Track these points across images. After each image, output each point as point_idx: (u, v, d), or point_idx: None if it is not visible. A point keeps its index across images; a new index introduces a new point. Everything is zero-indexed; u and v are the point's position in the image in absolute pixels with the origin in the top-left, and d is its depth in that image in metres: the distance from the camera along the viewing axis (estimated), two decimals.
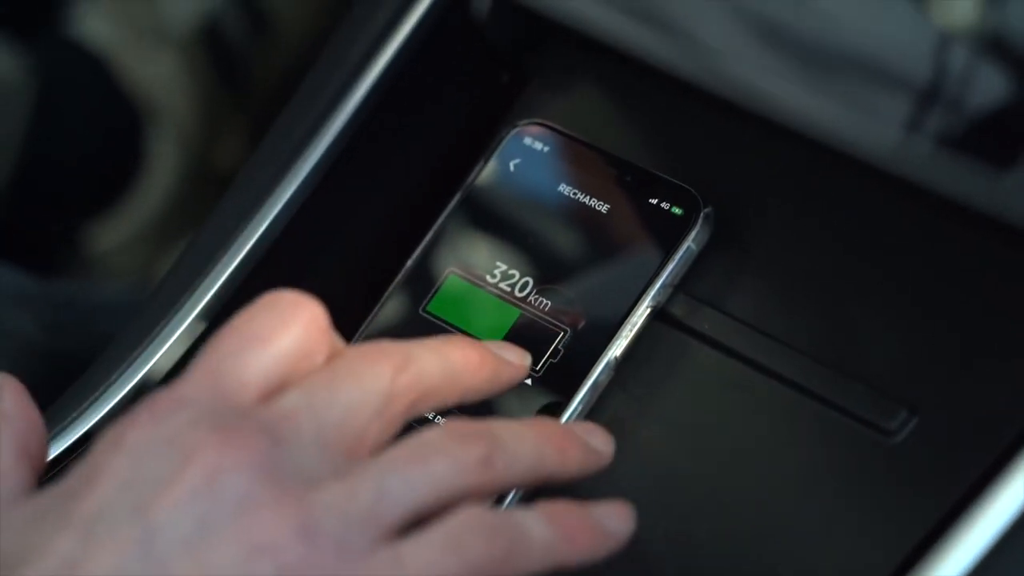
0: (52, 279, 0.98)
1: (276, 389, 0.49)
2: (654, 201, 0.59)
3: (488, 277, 0.60)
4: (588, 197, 0.60)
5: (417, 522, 0.47)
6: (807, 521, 0.54)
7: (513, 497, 0.55)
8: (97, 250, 1.18)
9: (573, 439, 0.52)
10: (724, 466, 0.56)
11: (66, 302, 0.83)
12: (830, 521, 0.53)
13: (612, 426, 0.56)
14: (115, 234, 1.18)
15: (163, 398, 0.48)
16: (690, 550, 0.55)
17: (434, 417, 0.57)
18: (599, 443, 0.53)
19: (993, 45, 0.52)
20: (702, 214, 0.58)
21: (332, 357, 0.50)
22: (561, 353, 0.58)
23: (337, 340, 0.51)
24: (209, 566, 0.45)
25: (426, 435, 0.49)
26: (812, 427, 0.55)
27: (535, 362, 0.57)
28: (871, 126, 0.54)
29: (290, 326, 0.49)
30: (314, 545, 0.45)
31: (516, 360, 0.54)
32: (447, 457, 0.48)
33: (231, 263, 0.62)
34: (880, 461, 0.53)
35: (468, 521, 0.47)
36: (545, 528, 0.48)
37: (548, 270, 0.59)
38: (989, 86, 0.52)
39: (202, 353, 0.49)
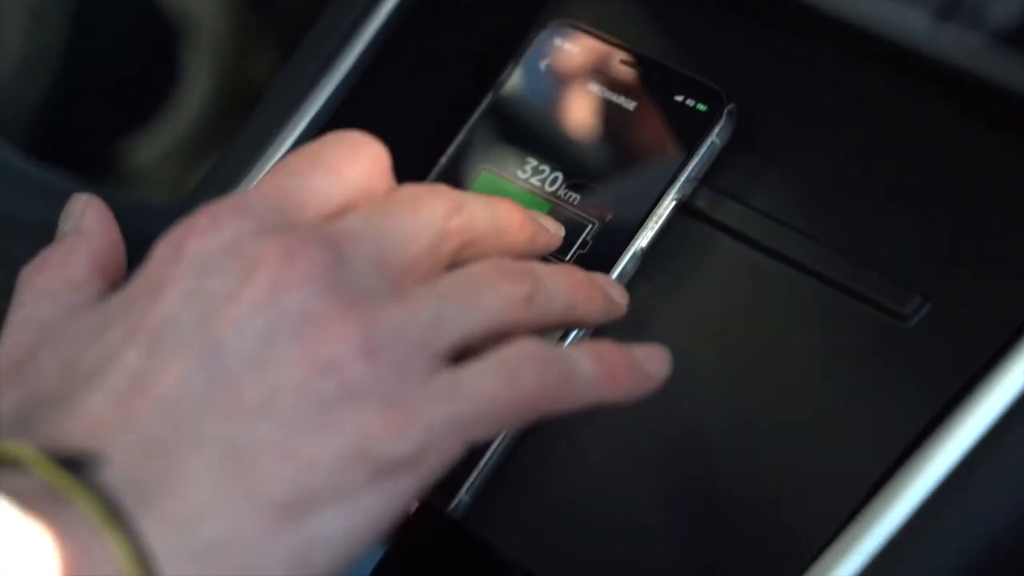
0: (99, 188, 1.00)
1: (336, 215, 0.49)
2: (679, 98, 0.61)
3: (519, 173, 0.62)
4: (615, 95, 0.62)
5: (464, 354, 0.48)
6: (825, 402, 0.56)
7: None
8: (134, 164, 1.19)
9: (598, 288, 0.55)
10: (745, 351, 0.58)
11: (114, 204, 0.84)
12: (847, 401, 0.55)
13: (638, 315, 0.59)
14: (151, 148, 1.19)
15: (224, 206, 0.48)
16: (712, 432, 0.57)
17: None
18: (617, 295, 0.56)
19: None
20: (726, 110, 0.60)
21: (391, 192, 0.51)
22: (589, 244, 0.60)
23: (394, 182, 0.52)
24: (275, 382, 0.45)
25: (476, 268, 0.50)
26: (830, 313, 0.57)
27: (564, 253, 0.60)
28: (901, 11, 0.55)
29: (356, 159, 0.51)
30: (376, 363, 0.46)
31: (552, 229, 0.57)
32: (496, 291, 0.49)
33: (265, 165, 0.64)
34: (895, 345, 0.55)
35: (523, 352, 0.48)
36: (593, 364, 0.50)
37: (577, 166, 0.61)
38: None
39: (268, 172, 0.50)
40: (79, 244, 0.53)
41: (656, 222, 0.60)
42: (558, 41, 0.64)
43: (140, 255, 0.64)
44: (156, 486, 0.44)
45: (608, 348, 0.51)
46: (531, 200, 0.61)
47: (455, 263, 0.51)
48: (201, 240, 0.47)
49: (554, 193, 0.61)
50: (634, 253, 0.59)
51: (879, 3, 0.56)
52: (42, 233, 0.75)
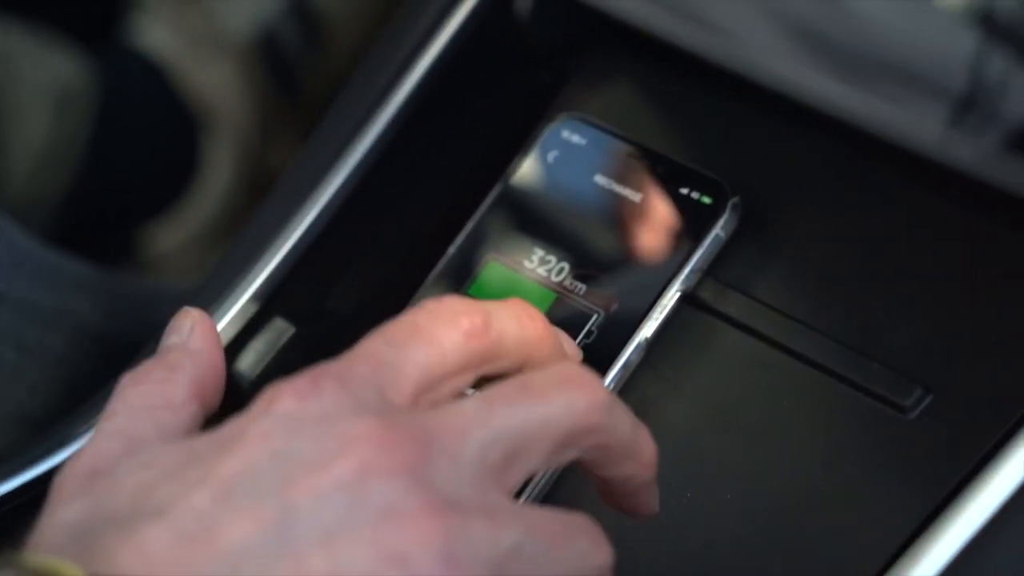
0: (113, 273, 1.01)
1: (431, 388, 0.48)
2: (684, 191, 0.62)
3: (526, 263, 0.63)
4: (622, 187, 0.63)
5: None
6: (827, 492, 0.56)
7: (541, 480, 0.58)
8: (155, 251, 1.20)
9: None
10: (748, 442, 0.58)
11: (125, 292, 0.85)
12: (848, 493, 0.56)
13: (642, 405, 0.59)
14: (173, 236, 1.20)
15: (326, 372, 0.47)
16: (715, 522, 0.57)
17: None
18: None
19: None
20: (730, 203, 0.61)
21: (515, 381, 0.49)
22: (594, 334, 0.60)
23: (494, 345, 0.50)
24: (341, 561, 0.44)
25: (573, 518, 0.49)
26: (832, 405, 0.57)
27: None
28: (911, 117, 0.56)
29: (454, 329, 0.49)
30: (449, 570, 0.44)
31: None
32: (579, 549, 0.48)
33: (281, 249, 0.65)
34: (896, 436, 0.56)
35: None
36: None
37: (583, 256, 0.62)
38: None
39: (367, 338, 0.48)
40: (182, 363, 0.52)
41: (660, 313, 0.60)
42: (566, 133, 0.65)
43: (152, 338, 0.66)
44: None
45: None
46: (537, 290, 0.62)
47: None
48: (299, 403, 0.47)
49: (560, 283, 0.62)
50: (638, 343, 0.60)
51: (890, 109, 0.56)
52: (56, 319, 0.76)
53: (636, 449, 0.51)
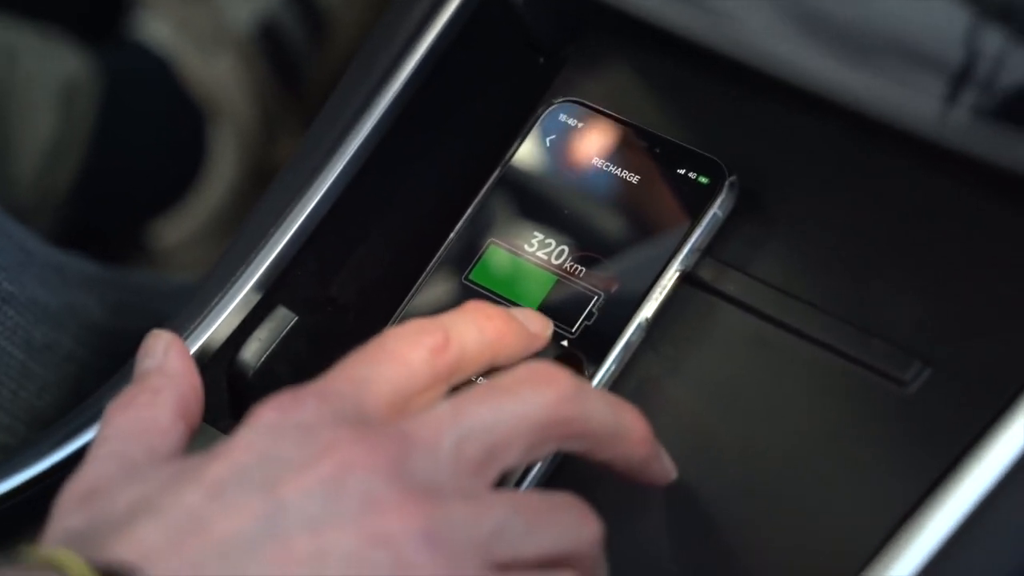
0: (118, 269, 1.01)
1: (405, 403, 0.51)
2: (682, 171, 0.62)
3: (526, 246, 0.63)
4: (619, 169, 0.63)
5: None
6: (828, 467, 0.57)
7: (538, 471, 0.59)
8: (161, 246, 1.21)
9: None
10: (750, 418, 0.58)
11: (130, 287, 0.86)
12: (849, 466, 0.56)
13: (644, 385, 0.60)
14: (179, 230, 1.21)
15: (307, 391, 0.50)
16: (719, 499, 0.58)
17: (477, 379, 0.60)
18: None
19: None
20: (727, 183, 0.61)
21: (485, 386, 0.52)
22: (595, 316, 0.61)
23: (463, 362, 0.54)
24: (327, 544, 0.46)
25: (557, 498, 0.51)
26: (832, 380, 0.58)
27: (571, 324, 0.60)
28: (908, 97, 0.57)
29: (416, 346, 0.52)
30: (434, 551, 0.47)
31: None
32: (562, 523, 0.51)
33: (283, 238, 0.65)
34: (896, 410, 0.56)
35: None
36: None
37: (583, 238, 0.62)
38: (1018, 67, 0.54)
39: (343, 361, 0.52)
40: (165, 386, 0.55)
41: (660, 293, 0.60)
42: (563, 117, 0.65)
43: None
44: None
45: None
46: (537, 273, 0.62)
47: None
48: (282, 415, 0.50)
49: (560, 266, 0.62)
50: (639, 324, 0.60)
51: (885, 87, 0.57)
52: (63, 318, 0.77)
53: (622, 431, 0.53)
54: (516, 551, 0.49)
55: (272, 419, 0.49)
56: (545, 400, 0.51)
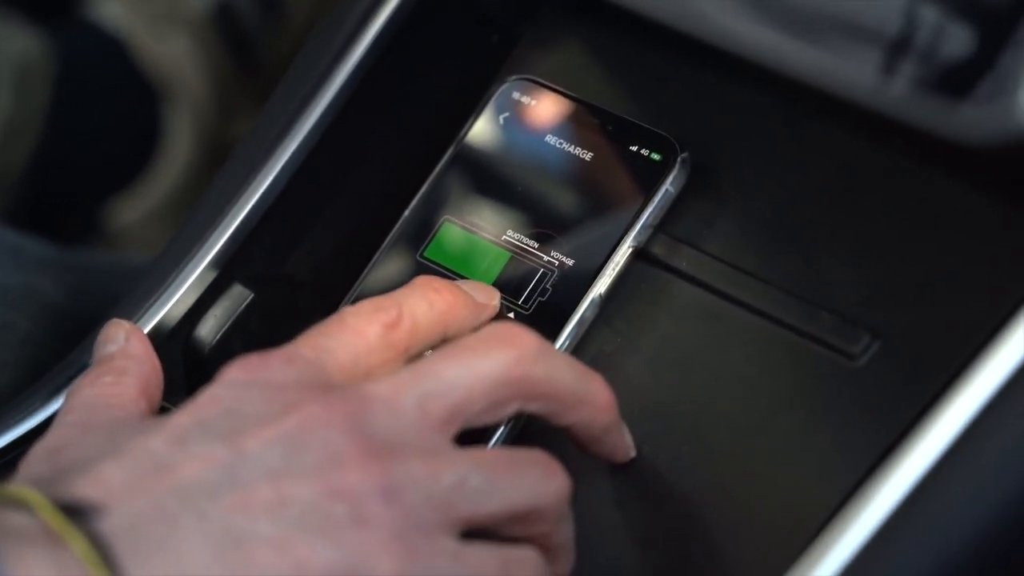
0: (74, 250, 1.01)
1: (364, 373, 0.53)
2: (634, 148, 0.63)
3: (480, 223, 0.64)
4: (573, 146, 0.64)
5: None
6: (779, 439, 0.57)
7: (502, 433, 0.59)
8: (117, 225, 1.21)
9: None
10: (702, 392, 0.59)
11: (87, 267, 0.86)
12: (800, 438, 0.57)
13: (598, 360, 0.60)
14: (134, 210, 1.21)
15: (274, 354, 0.52)
16: (673, 471, 0.58)
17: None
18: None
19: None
20: (679, 159, 0.62)
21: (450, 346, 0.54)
22: (549, 292, 0.61)
23: (415, 337, 0.55)
24: (287, 493, 0.48)
25: (525, 453, 0.52)
26: (783, 354, 0.58)
27: (526, 300, 0.61)
28: (850, 68, 0.57)
29: (372, 321, 0.54)
30: (392, 504, 0.48)
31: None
32: (527, 481, 0.52)
33: (238, 216, 0.66)
34: (846, 382, 0.57)
35: (525, 560, 0.52)
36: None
37: (536, 215, 0.63)
38: (955, 39, 0.55)
39: (304, 333, 0.53)
40: (128, 367, 0.56)
41: (614, 269, 0.61)
42: (516, 95, 0.66)
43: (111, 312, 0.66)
44: (152, 545, 0.46)
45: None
46: (491, 250, 0.62)
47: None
48: (248, 374, 0.51)
49: (514, 242, 0.63)
50: (593, 299, 0.61)
51: (826, 58, 0.57)
52: (20, 299, 0.77)
53: (587, 395, 0.54)
54: (477, 506, 0.50)
55: (239, 377, 0.51)
56: (508, 357, 0.52)
